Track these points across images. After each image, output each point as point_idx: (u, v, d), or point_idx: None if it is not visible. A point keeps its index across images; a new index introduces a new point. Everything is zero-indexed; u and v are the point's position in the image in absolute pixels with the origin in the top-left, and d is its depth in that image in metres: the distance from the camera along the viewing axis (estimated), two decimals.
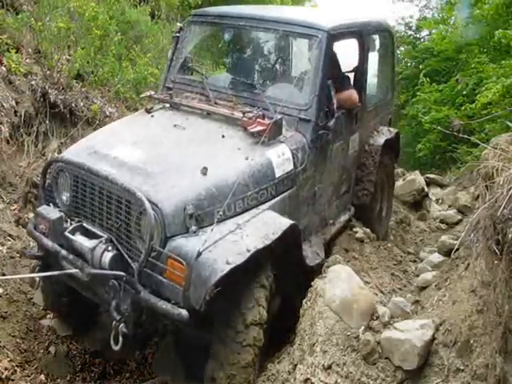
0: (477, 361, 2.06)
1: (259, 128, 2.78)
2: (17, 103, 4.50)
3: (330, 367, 2.35)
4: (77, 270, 2.45)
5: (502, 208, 1.74)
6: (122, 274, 2.31)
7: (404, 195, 5.15)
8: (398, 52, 12.85)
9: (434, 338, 2.33)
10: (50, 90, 4.76)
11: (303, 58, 3.44)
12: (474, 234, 2.04)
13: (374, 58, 3.98)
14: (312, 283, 2.76)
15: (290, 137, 2.95)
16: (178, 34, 3.58)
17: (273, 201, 2.76)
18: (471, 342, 2.13)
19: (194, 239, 2.28)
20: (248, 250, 2.26)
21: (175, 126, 2.98)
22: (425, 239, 4.49)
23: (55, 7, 5.61)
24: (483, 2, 7.85)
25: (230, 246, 2.28)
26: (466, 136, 3.25)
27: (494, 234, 1.81)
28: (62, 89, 4.96)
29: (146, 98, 3.68)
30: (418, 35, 12.09)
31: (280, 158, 2.83)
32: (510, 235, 1.69)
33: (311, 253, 3.06)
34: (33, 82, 4.74)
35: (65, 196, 2.73)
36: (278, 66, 4.03)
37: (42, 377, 2.93)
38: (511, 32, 6.13)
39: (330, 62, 3.16)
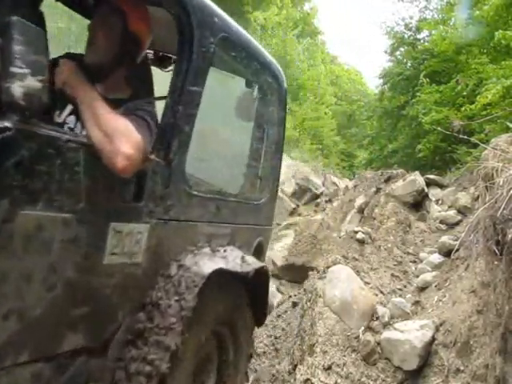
0: (477, 361, 2.06)
1: None
2: None
3: (330, 367, 2.35)
4: None
5: (501, 209, 1.74)
6: None
7: (404, 196, 5.15)
8: (398, 52, 12.86)
9: (433, 339, 2.34)
10: None
11: None
12: (473, 234, 2.05)
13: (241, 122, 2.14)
14: (312, 283, 2.77)
15: None
16: None
17: None
18: (471, 342, 2.14)
19: None
20: None
21: None
22: (425, 240, 4.48)
23: (55, 7, 5.61)
24: (483, 2, 7.87)
25: None
26: (465, 137, 3.23)
27: (494, 235, 1.81)
28: None
29: None
30: (418, 36, 12.12)
31: None
32: (509, 236, 1.69)
33: None
34: None
35: None
36: None
37: None
38: (511, 33, 6.14)
39: None
